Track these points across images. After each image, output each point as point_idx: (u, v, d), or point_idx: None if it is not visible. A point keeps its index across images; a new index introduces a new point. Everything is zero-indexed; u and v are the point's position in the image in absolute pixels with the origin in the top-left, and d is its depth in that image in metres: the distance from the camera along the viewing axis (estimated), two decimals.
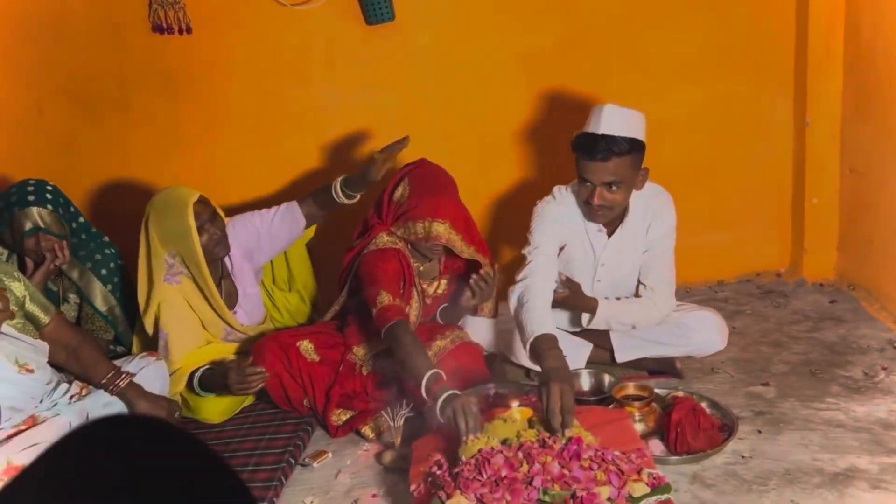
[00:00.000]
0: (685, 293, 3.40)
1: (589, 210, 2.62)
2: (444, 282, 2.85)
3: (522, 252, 2.70)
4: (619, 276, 2.78)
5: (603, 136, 2.47)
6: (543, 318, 2.39)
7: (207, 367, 2.62)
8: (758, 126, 3.45)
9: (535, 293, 2.47)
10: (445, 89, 3.42)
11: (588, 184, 2.55)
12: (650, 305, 2.73)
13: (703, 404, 2.39)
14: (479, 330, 2.79)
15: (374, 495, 2.22)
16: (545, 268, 2.60)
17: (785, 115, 3.44)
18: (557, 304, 2.70)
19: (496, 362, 2.86)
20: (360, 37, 3.34)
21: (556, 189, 2.75)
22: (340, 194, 2.78)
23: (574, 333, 2.87)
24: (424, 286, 2.78)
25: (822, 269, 3.47)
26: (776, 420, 2.40)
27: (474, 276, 2.66)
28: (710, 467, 2.18)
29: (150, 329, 2.70)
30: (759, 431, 2.35)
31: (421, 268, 2.75)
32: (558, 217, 2.70)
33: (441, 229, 2.59)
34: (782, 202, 3.53)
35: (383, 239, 2.66)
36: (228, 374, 2.51)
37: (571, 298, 2.73)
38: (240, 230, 2.82)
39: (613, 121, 2.49)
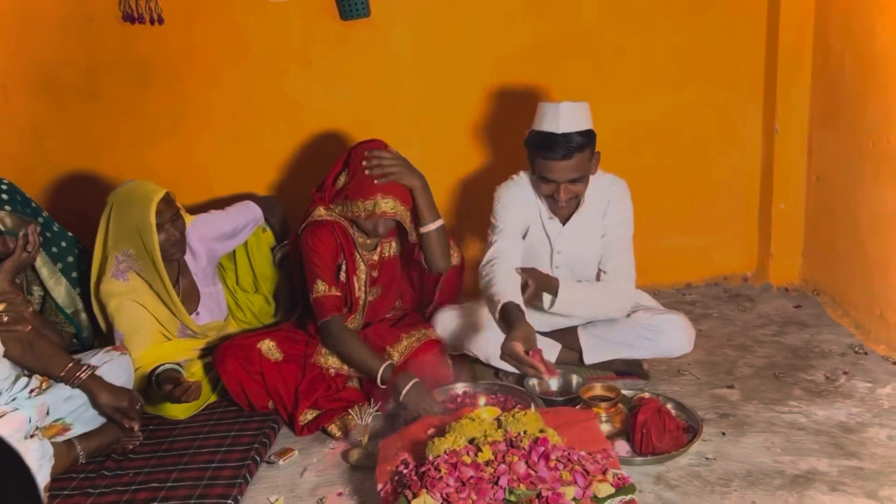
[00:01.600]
0: (654, 295, 3.42)
1: (555, 205, 2.67)
2: (391, 243, 2.82)
3: (489, 237, 2.76)
4: (577, 263, 2.82)
5: (562, 134, 2.52)
6: (510, 289, 2.49)
7: (166, 367, 2.59)
8: (728, 132, 3.50)
9: (500, 270, 2.57)
10: (421, 86, 3.42)
11: (551, 182, 2.59)
12: (612, 289, 2.76)
13: (669, 406, 2.41)
14: (445, 329, 2.79)
15: (339, 493, 2.21)
16: (509, 248, 2.67)
17: (754, 122, 3.49)
18: (526, 302, 2.72)
19: (465, 361, 2.87)
20: (335, 32, 3.33)
21: (516, 174, 2.81)
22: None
23: (544, 334, 2.89)
24: (368, 255, 2.74)
25: (787, 274, 3.53)
26: (740, 422, 2.44)
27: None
28: (675, 468, 2.21)
29: (102, 325, 2.69)
30: (723, 433, 2.38)
31: (361, 240, 2.72)
32: (518, 198, 2.76)
33: (386, 206, 2.57)
34: (750, 207, 3.59)
35: (320, 212, 2.66)
36: (168, 395, 2.54)
37: (534, 275, 2.69)
38: (201, 228, 2.81)
39: (569, 118, 2.55)
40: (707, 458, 2.25)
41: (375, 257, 2.78)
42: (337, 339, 2.58)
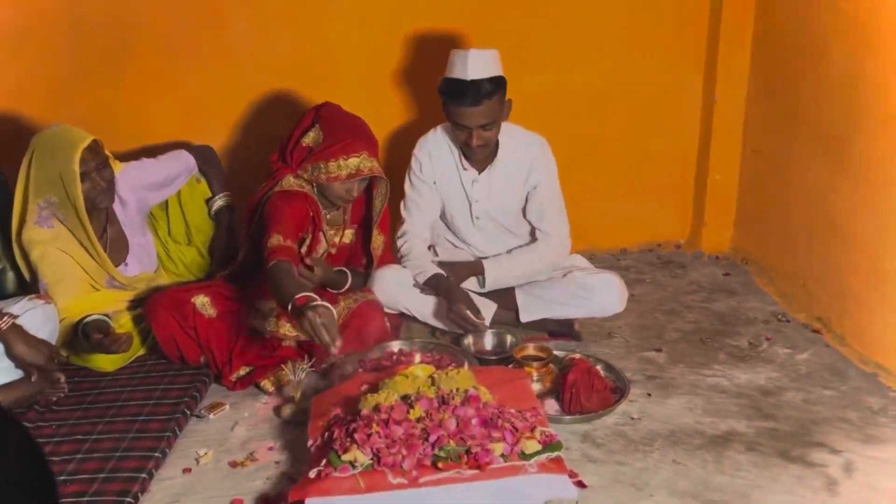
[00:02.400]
0: (590, 258, 3.47)
1: (468, 150, 2.73)
2: (349, 231, 2.83)
3: (403, 204, 2.89)
4: (497, 212, 2.88)
5: (471, 81, 2.56)
6: (426, 264, 2.76)
7: (93, 317, 2.52)
8: (668, 101, 3.55)
9: (414, 246, 2.81)
10: (365, 41, 3.34)
11: (463, 128, 2.64)
12: (545, 249, 2.86)
13: (598, 367, 2.47)
14: (384, 286, 2.79)
15: (270, 448, 2.21)
16: (422, 222, 2.87)
17: (695, 93, 3.54)
18: (453, 275, 2.81)
19: (402, 320, 2.88)
20: None
21: (434, 129, 2.87)
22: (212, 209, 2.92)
23: (480, 295, 2.92)
24: (331, 234, 2.74)
25: (719, 243, 3.63)
26: (665, 384, 2.51)
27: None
28: (601, 427, 2.27)
29: (26, 273, 2.59)
30: (649, 395, 2.45)
31: (328, 215, 2.72)
32: (428, 159, 2.83)
33: (357, 162, 2.55)
34: (686, 177, 3.66)
35: (289, 181, 2.61)
36: (98, 344, 2.45)
37: (460, 266, 2.84)
38: (131, 176, 2.73)
39: (478, 65, 2.58)
40: (632, 418, 2.32)
41: (336, 239, 2.76)
42: (272, 275, 2.31)
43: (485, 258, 2.90)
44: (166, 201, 2.91)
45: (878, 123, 2.55)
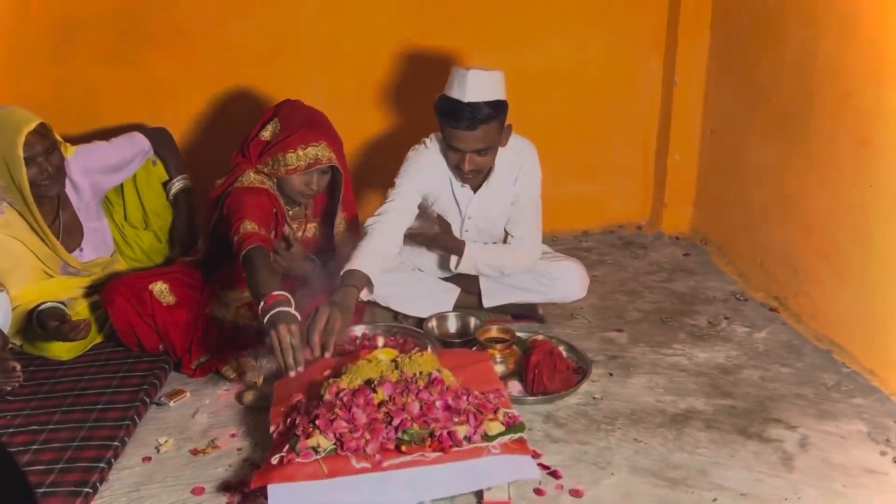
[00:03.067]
0: (552, 241, 3.50)
1: (459, 174, 2.63)
2: (312, 225, 2.79)
3: (386, 196, 2.68)
4: (486, 227, 2.83)
5: (468, 103, 2.44)
6: (368, 257, 2.37)
7: (48, 305, 2.46)
8: (629, 83, 3.57)
9: (379, 230, 2.48)
10: (325, 21, 3.30)
11: (456, 151, 2.53)
12: (517, 251, 2.80)
13: (561, 348, 2.49)
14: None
15: (232, 435, 2.18)
16: (399, 211, 2.58)
17: (655, 74, 3.57)
18: (428, 242, 2.72)
19: (365, 304, 2.86)
20: None
21: (429, 138, 2.74)
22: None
23: (444, 279, 2.92)
24: (295, 227, 2.71)
25: (679, 224, 3.67)
26: (627, 364, 2.54)
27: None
28: (564, 407, 2.29)
29: None
30: (611, 374, 2.48)
31: (290, 212, 2.68)
32: (427, 165, 2.69)
33: (315, 151, 2.49)
34: (647, 158, 3.69)
35: (250, 177, 2.54)
36: (56, 331, 2.40)
37: (441, 238, 2.75)
38: (84, 160, 2.65)
39: (477, 87, 2.45)
40: (594, 398, 2.34)
41: (299, 234, 2.71)
42: (245, 266, 2.25)
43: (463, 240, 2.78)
44: (122, 185, 2.84)
45: (831, 103, 2.59)
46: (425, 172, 2.67)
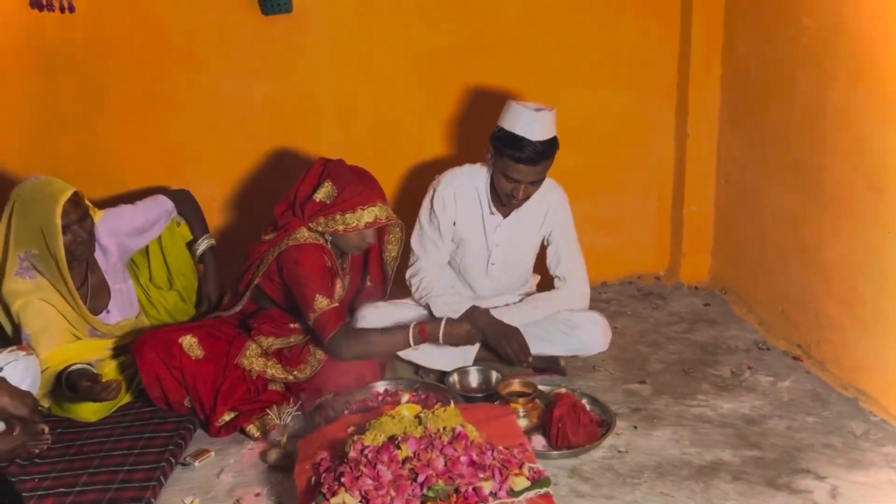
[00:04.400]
0: None
1: (508, 201, 2.73)
2: (347, 279, 2.85)
3: (415, 239, 2.86)
4: (512, 259, 2.88)
5: (536, 141, 2.57)
6: (451, 303, 2.75)
7: (78, 366, 2.50)
8: (642, 135, 3.61)
9: (435, 284, 2.80)
10: (342, 84, 3.40)
11: (513, 181, 2.64)
12: (562, 295, 2.85)
13: (584, 401, 2.48)
14: (369, 325, 2.79)
15: (257, 494, 2.19)
16: (435, 259, 2.84)
17: (667, 126, 3.62)
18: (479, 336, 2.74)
19: (386, 359, 2.88)
20: (255, 26, 3.28)
21: (459, 168, 2.83)
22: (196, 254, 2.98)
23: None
24: (342, 281, 2.78)
25: (697, 273, 3.67)
26: (651, 416, 2.53)
27: None
28: (588, 461, 2.27)
29: (7, 327, 2.57)
30: (635, 427, 2.46)
31: (339, 264, 2.76)
32: (453, 196, 2.79)
33: (375, 211, 2.62)
34: (663, 209, 3.72)
35: (303, 234, 2.63)
36: (88, 391, 2.43)
37: (484, 322, 2.74)
38: (111, 223, 2.73)
39: (544, 126, 2.59)
40: (619, 451, 2.33)
41: (346, 287, 2.81)
42: (356, 339, 2.58)
43: (493, 307, 2.84)
44: (147, 247, 2.91)
45: (842, 151, 2.62)
46: (452, 200, 2.79)
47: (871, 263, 2.51)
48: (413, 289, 2.83)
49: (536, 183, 2.67)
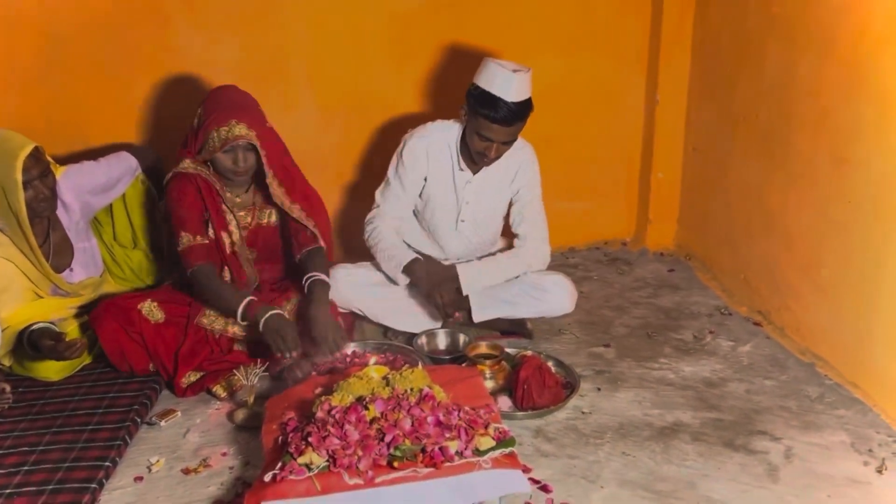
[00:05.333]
0: None
1: (480, 158, 2.73)
2: (268, 212, 2.74)
3: (380, 189, 2.86)
4: (482, 216, 2.89)
5: (511, 102, 2.56)
6: (401, 251, 2.76)
7: (40, 325, 2.45)
8: (612, 101, 3.62)
9: (384, 232, 2.79)
10: (313, 42, 3.33)
11: (486, 140, 2.64)
12: (523, 253, 2.86)
13: (550, 363, 2.52)
14: (338, 286, 2.78)
15: (224, 454, 2.19)
16: (393, 212, 2.83)
17: (637, 93, 3.63)
18: (427, 287, 2.74)
19: (355, 320, 2.89)
20: None
21: (431, 124, 2.82)
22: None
23: None
24: (241, 215, 2.68)
25: (663, 240, 3.72)
26: (614, 378, 2.58)
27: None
28: (553, 422, 2.32)
29: None
30: (599, 389, 2.51)
31: (237, 199, 2.67)
32: (425, 152, 2.79)
33: (240, 130, 2.48)
34: (631, 175, 3.74)
35: (185, 163, 2.57)
36: (51, 350, 2.39)
37: (434, 271, 2.78)
38: (74, 180, 2.67)
39: (523, 88, 2.59)
40: (583, 413, 2.37)
41: (249, 219, 2.70)
42: (205, 286, 2.52)
43: (456, 263, 2.85)
44: (111, 205, 2.85)
45: (810, 122, 2.66)
46: (423, 157, 2.79)
47: (833, 233, 2.56)
48: (365, 235, 2.83)
49: (509, 143, 2.68)
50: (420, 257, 2.77)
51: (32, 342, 2.42)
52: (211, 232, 2.61)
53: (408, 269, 2.72)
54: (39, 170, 2.46)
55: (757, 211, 3.02)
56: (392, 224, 2.84)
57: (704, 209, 3.48)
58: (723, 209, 3.29)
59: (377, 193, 2.87)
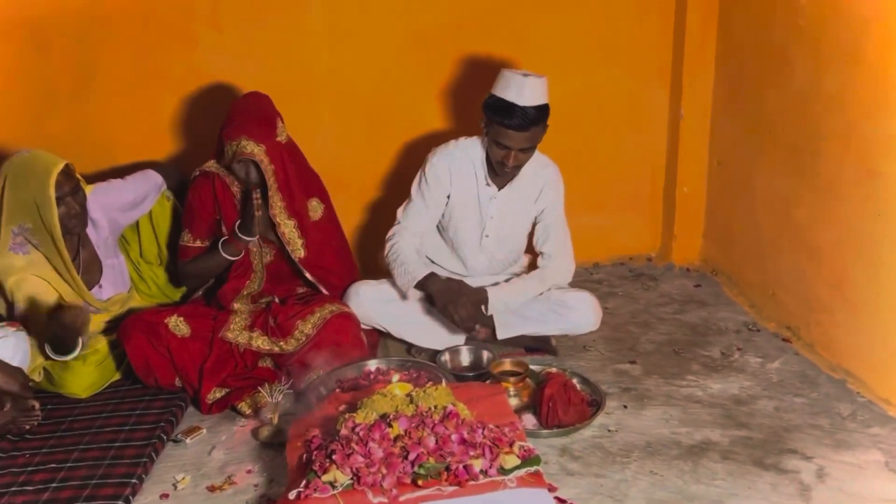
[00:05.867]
0: None
1: (501, 169, 2.73)
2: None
3: (403, 206, 2.86)
4: (506, 232, 2.89)
5: (524, 107, 2.58)
6: (417, 266, 2.74)
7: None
8: (636, 116, 3.60)
9: (403, 252, 2.77)
10: (335, 60, 3.36)
11: (504, 148, 2.65)
12: (547, 273, 2.85)
13: (574, 380, 2.50)
14: (360, 303, 2.79)
15: (249, 471, 2.19)
16: (414, 228, 2.83)
17: (661, 107, 3.61)
18: (451, 307, 2.69)
19: (379, 337, 2.89)
20: (249, 2, 3.24)
21: (455, 141, 2.84)
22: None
23: None
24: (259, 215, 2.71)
25: (689, 255, 3.68)
26: (641, 396, 2.54)
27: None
28: (579, 440, 2.29)
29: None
30: (625, 406, 2.48)
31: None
32: (448, 170, 2.80)
33: (248, 146, 2.56)
34: (655, 190, 3.72)
35: (208, 163, 2.73)
36: (61, 315, 2.38)
37: (465, 292, 2.72)
38: (102, 198, 2.72)
39: (533, 92, 2.60)
40: (609, 430, 2.34)
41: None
42: (194, 274, 2.77)
43: (483, 286, 2.83)
44: (137, 222, 2.90)
45: (836, 134, 2.62)
46: (447, 173, 2.80)
47: (863, 247, 2.52)
48: (385, 251, 2.82)
49: (527, 150, 2.67)
50: (436, 273, 2.76)
51: (53, 345, 2.44)
52: (224, 230, 2.72)
53: (422, 284, 2.71)
54: (70, 186, 2.51)
55: (784, 225, 2.98)
56: (412, 241, 2.82)
57: (730, 224, 3.44)
58: (749, 223, 3.25)
59: (399, 211, 2.88)
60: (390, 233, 2.85)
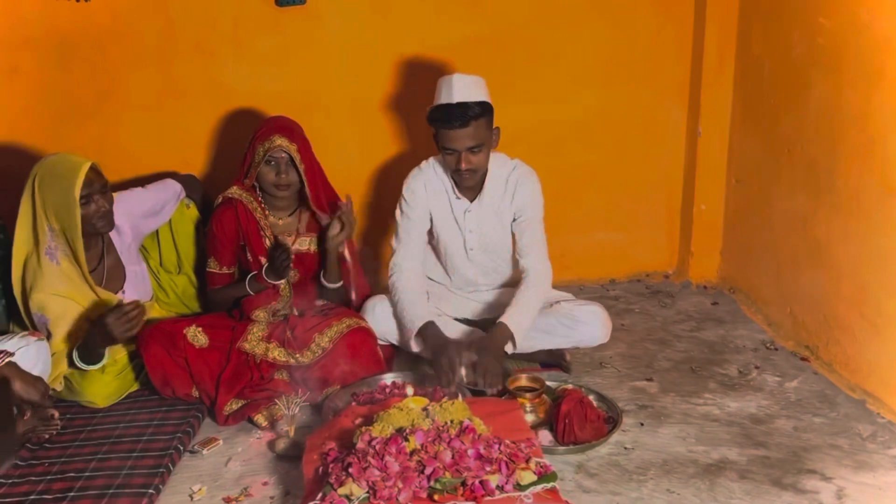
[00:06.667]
0: (579, 290, 3.53)
1: (458, 176, 2.75)
2: (307, 239, 2.84)
3: (393, 240, 2.89)
4: (489, 241, 2.90)
5: (458, 103, 2.61)
6: (417, 311, 2.72)
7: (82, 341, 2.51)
8: (653, 133, 3.61)
9: (406, 290, 2.77)
10: (355, 76, 3.40)
11: (453, 153, 2.68)
12: (539, 287, 2.79)
13: (591, 397, 2.48)
14: (376, 318, 2.80)
15: (265, 483, 2.20)
16: (411, 252, 2.84)
17: (679, 124, 3.61)
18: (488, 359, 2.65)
19: (395, 352, 2.89)
20: (269, 17, 3.29)
21: (425, 162, 2.90)
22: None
23: (470, 323, 2.95)
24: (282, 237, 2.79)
25: (706, 273, 3.67)
26: (657, 413, 2.53)
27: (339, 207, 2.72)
28: (595, 457, 2.28)
29: (19, 300, 2.59)
30: (642, 424, 2.47)
31: (279, 222, 2.80)
32: (423, 187, 2.85)
33: (281, 141, 2.67)
34: (672, 207, 3.71)
35: (232, 189, 2.78)
36: (106, 321, 2.40)
37: (492, 342, 2.67)
38: (125, 204, 2.77)
39: (464, 88, 2.64)
40: (626, 448, 2.33)
41: (294, 245, 2.79)
42: (220, 303, 2.81)
43: (488, 317, 2.87)
44: (156, 231, 2.93)
45: (857, 152, 2.61)
46: (423, 193, 2.84)
47: (882, 265, 2.50)
48: (390, 290, 2.83)
49: (476, 150, 2.67)
50: (433, 321, 2.69)
51: (83, 355, 2.48)
52: (250, 256, 2.75)
53: (419, 333, 2.69)
54: (101, 183, 2.56)
55: (803, 243, 2.97)
56: (409, 274, 2.80)
57: (748, 242, 3.43)
58: (767, 241, 3.24)
59: (392, 241, 2.90)
60: (391, 263, 2.86)
